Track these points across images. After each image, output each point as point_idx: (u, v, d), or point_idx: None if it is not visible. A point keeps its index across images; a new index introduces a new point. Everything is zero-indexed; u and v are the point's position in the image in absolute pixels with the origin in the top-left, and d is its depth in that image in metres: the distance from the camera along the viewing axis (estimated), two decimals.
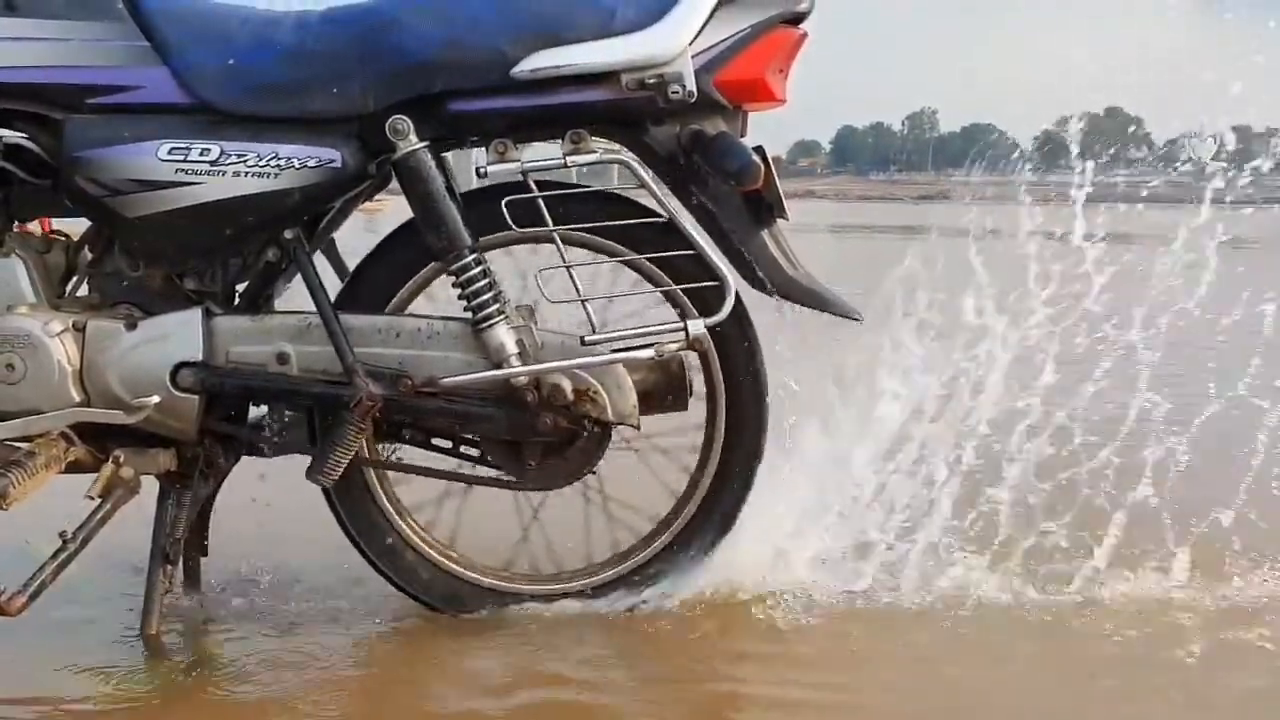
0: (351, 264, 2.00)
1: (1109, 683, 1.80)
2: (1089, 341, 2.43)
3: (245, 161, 1.77)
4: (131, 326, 1.83)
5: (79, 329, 1.82)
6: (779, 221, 1.92)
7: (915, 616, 2.01)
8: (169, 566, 1.91)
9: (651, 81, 1.75)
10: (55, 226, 2.01)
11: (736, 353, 1.95)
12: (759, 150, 1.79)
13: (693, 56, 1.76)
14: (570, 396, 1.86)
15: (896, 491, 2.22)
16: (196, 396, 1.83)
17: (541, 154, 1.85)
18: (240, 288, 1.94)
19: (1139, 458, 2.31)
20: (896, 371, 2.26)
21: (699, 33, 1.76)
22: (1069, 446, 2.34)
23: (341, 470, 1.84)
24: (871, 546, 2.15)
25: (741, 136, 1.86)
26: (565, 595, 2.01)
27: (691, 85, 1.75)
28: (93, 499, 1.82)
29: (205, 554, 2.07)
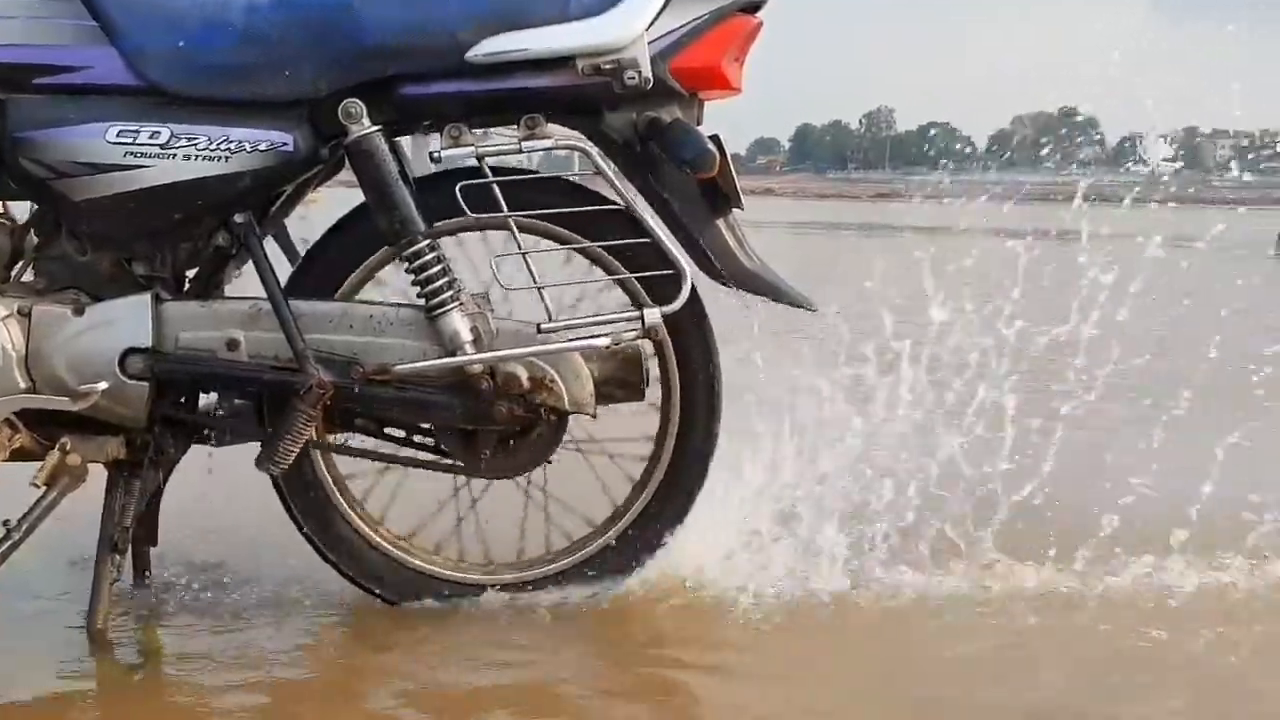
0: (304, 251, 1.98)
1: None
2: (1013, 336, 2.47)
3: (195, 145, 1.75)
4: (79, 312, 1.80)
5: (24, 314, 1.79)
6: (734, 211, 1.92)
7: (848, 608, 2.02)
8: (117, 556, 1.87)
9: (607, 67, 1.75)
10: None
11: (692, 342, 1.95)
12: (715, 139, 1.79)
13: (649, 43, 1.76)
14: (526, 385, 1.85)
15: (828, 484, 2.23)
16: (146, 383, 1.80)
17: (498, 140, 1.84)
18: (190, 273, 1.91)
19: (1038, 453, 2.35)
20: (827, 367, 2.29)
21: (655, 19, 1.76)
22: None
23: (291, 459, 1.82)
24: (802, 539, 2.16)
25: (698, 125, 1.85)
26: (517, 585, 2.00)
27: (647, 71, 1.75)
28: (38, 487, 1.79)
29: (154, 544, 2.04)
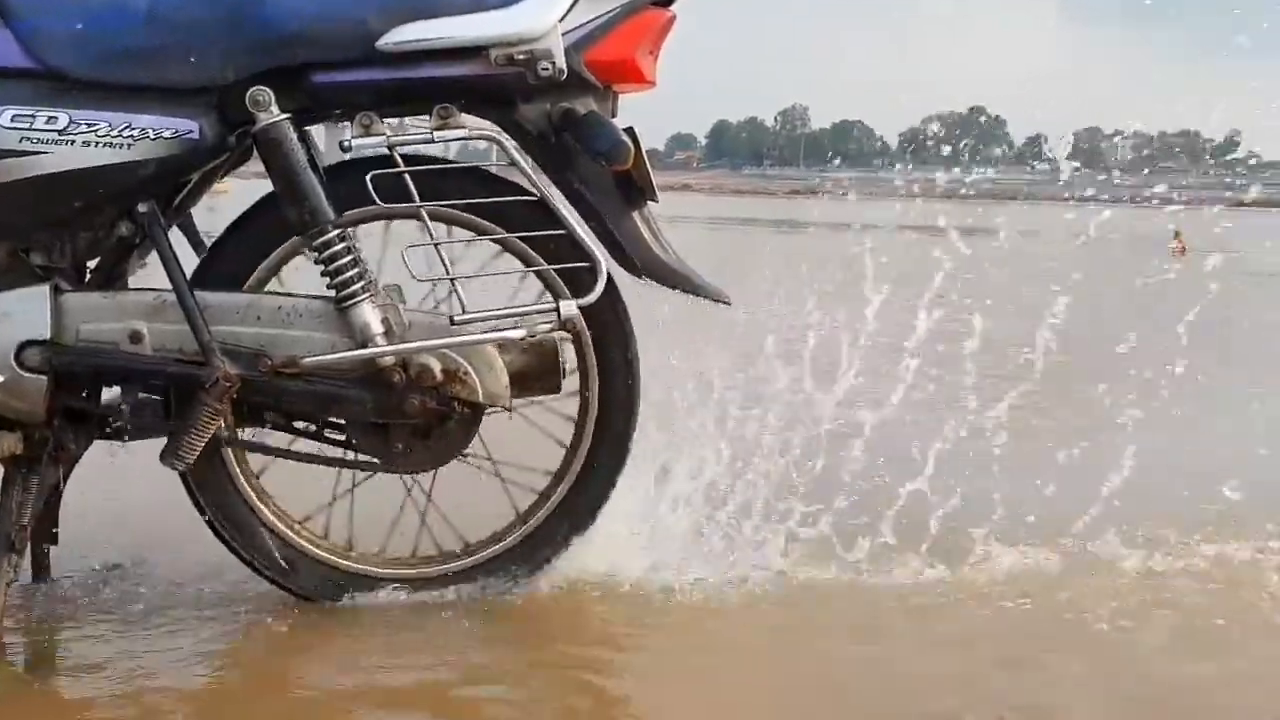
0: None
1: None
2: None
3: (96, 131, 1.70)
4: None
5: None
6: (649, 204, 1.93)
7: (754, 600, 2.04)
8: (14, 556, 1.82)
9: (521, 58, 1.74)
10: None
11: (610, 333, 1.95)
12: (629, 131, 1.80)
13: (563, 34, 1.75)
14: (439, 377, 1.83)
15: (741, 474, 2.27)
16: (44, 376, 1.75)
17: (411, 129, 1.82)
18: (91, 263, 1.86)
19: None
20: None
21: (569, 10, 1.75)
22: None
23: (197, 453, 1.79)
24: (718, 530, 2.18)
25: (612, 117, 1.85)
26: (429, 580, 1.98)
27: (561, 63, 1.74)
28: None
29: (55, 542, 1.98)
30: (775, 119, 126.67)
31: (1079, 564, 2.19)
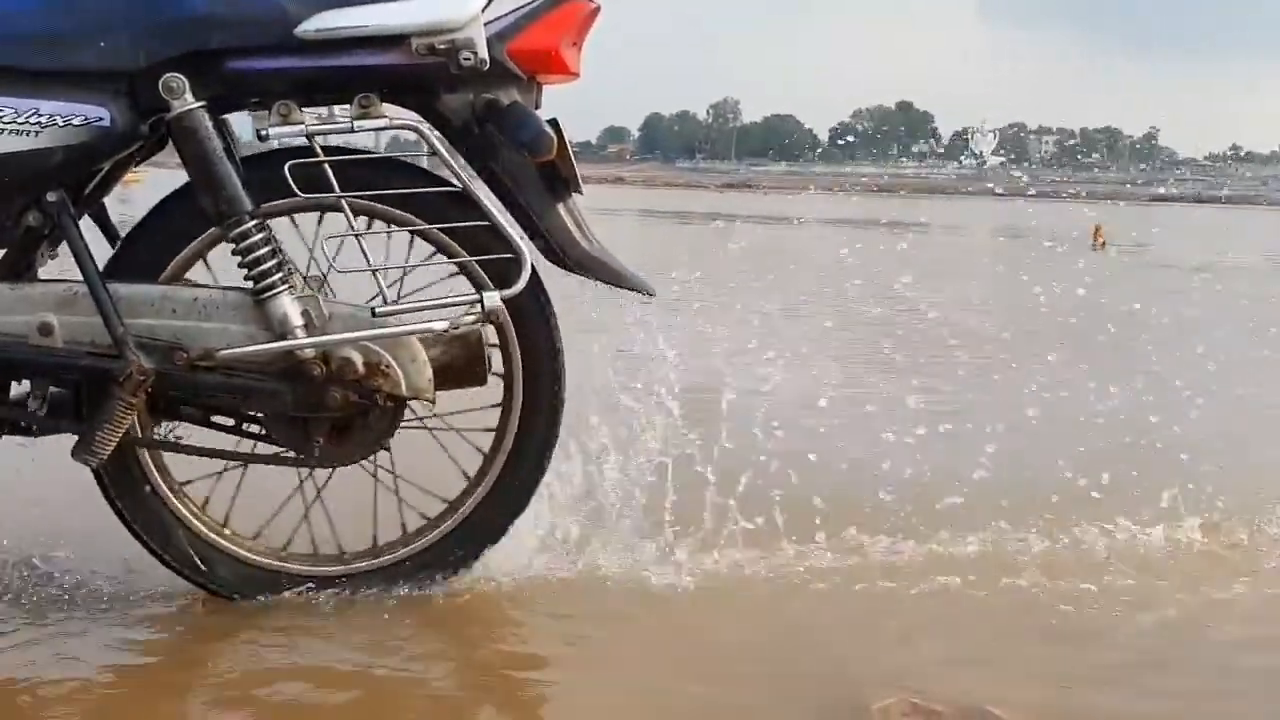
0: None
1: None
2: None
3: (1, 117, 1.65)
4: None
5: None
6: (574, 196, 1.92)
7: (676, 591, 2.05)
8: None
9: (442, 47, 1.72)
10: None
11: (533, 326, 1.94)
12: (553, 122, 1.79)
13: (485, 24, 1.74)
14: (361, 370, 1.81)
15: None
16: None
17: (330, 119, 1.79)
18: None
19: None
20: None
21: (491, 0, 1.74)
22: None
23: (110, 448, 1.74)
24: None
25: (536, 109, 1.84)
26: (349, 577, 1.95)
27: (483, 52, 1.73)
28: None
29: None
30: (707, 112, 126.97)
31: None
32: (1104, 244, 8.38)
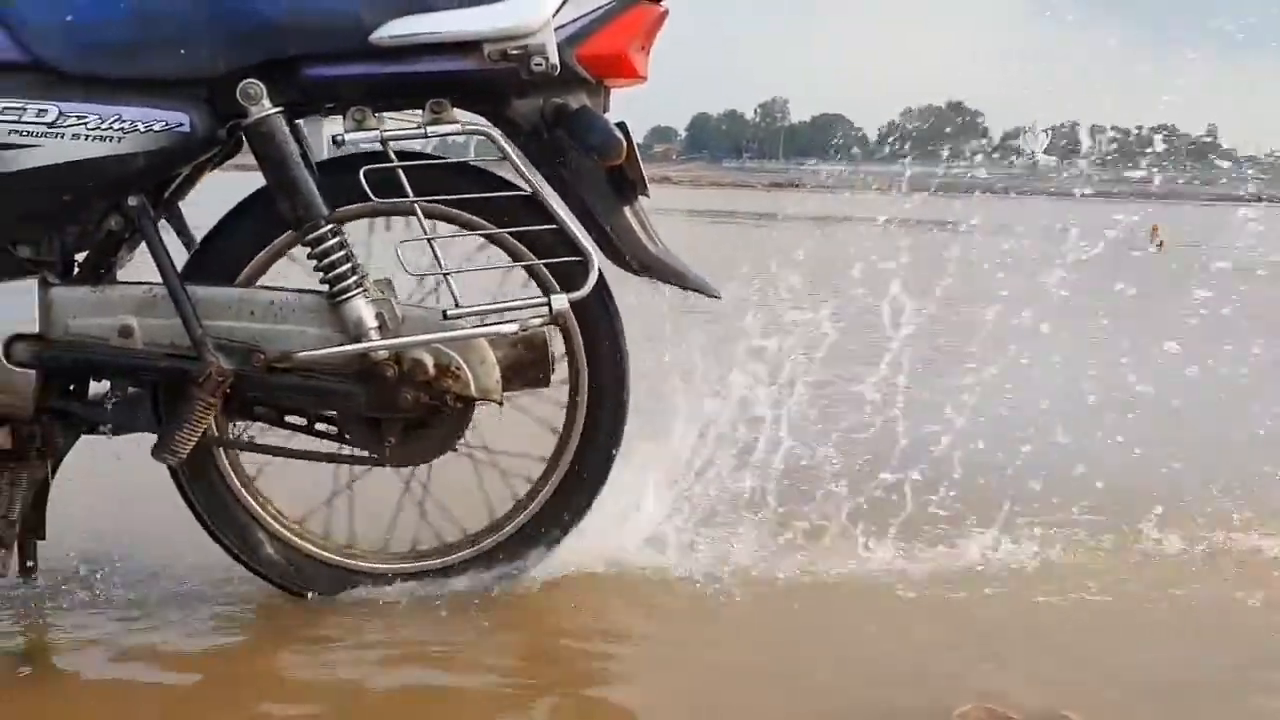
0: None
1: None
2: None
3: (86, 124, 1.69)
4: None
5: None
6: (640, 198, 1.93)
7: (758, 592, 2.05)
8: (2, 551, 1.80)
9: (514, 53, 1.74)
10: None
11: (599, 328, 1.95)
12: (621, 125, 1.80)
13: (556, 29, 1.75)
14: (432, 372, 1.83)
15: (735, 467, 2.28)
16: (32, 371, 1.74)
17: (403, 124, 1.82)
18: (80, 257, 1.85)
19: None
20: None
21: (562, 5, 1.76)
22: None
23: (189, 448, 1.78)
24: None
25: (604, 112, 1.86)
26: (422, 574, 1.98)
27: (554, 58, 1.74)
28: None
29: (42, 538, 1.96)
30: (755, 111, 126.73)
31: None
32: (1162, 243, 8.25)
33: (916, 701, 1.64)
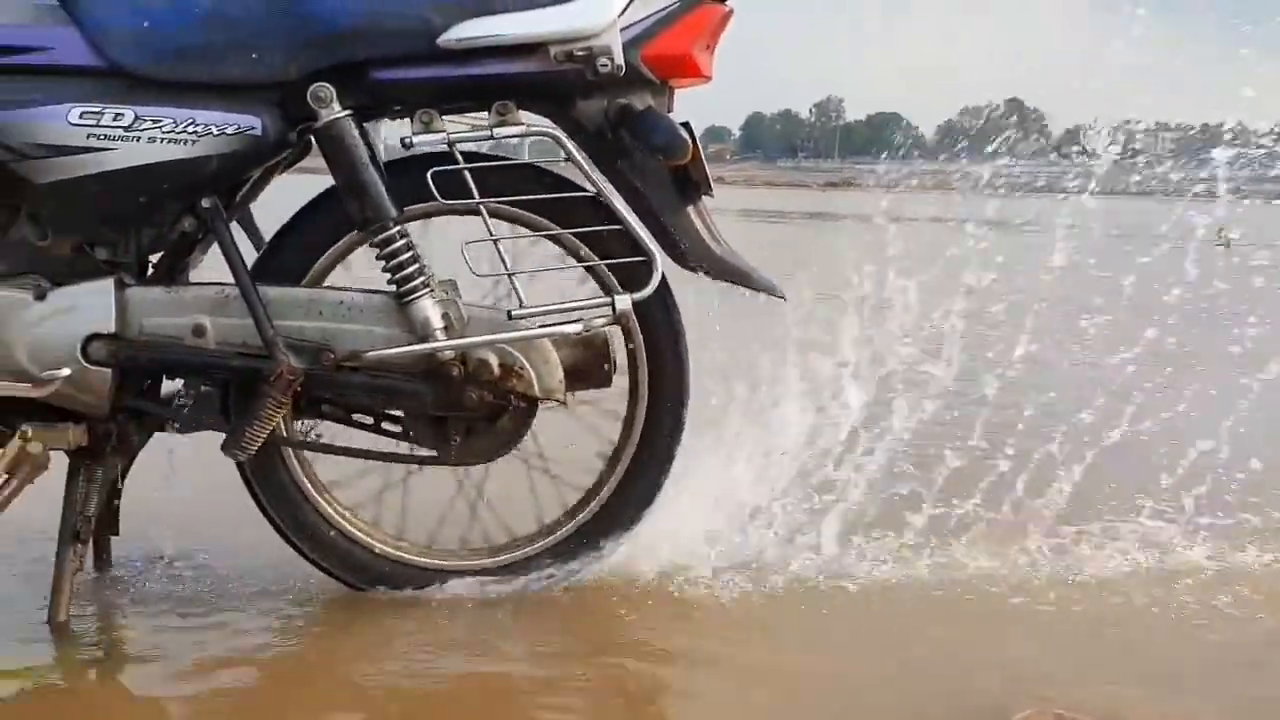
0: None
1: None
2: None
3: (161, 127, 1.72)
4: (40, 297, 1.76)
5: None
6: (704, 198, 1.93)
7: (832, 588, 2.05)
8: (80, 546, 1.84)
9: (580, 54, 1.74)
10: None
11: (660, 328, 1.95)
12: (686, 125, 1.80)
13: (621, 30, 1.76)
14: (496, 372, 1.84)
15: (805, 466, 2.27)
16: (109, 370, 1.77)
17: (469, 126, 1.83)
18: (154, 258, 1.88)
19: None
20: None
21: (627, 6, 1.76)
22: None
23: (259, 444, 1.81)
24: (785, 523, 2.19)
25: (669, 112, 1.86)
26: (485, 571, 1.99)
27: (620, 59, 1.75)
28: None
29: (116, 533, 2.01)
30: (810, 111, 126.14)
31: None
32: (1229, 242, 8.10)
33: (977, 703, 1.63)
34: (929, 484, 2.37)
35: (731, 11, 1.85)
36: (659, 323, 1.95)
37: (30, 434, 1.77)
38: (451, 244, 1.92)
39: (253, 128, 1.74)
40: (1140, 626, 1.95)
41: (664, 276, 1.88)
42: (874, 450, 2.34)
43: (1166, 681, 1.75)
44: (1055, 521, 2.28)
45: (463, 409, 1.85)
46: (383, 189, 1.79)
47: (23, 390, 1.75)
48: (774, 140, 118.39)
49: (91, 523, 1.86)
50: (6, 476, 1.77)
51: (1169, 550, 2.24)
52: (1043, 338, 2.56)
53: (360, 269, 1.93)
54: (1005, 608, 2.00)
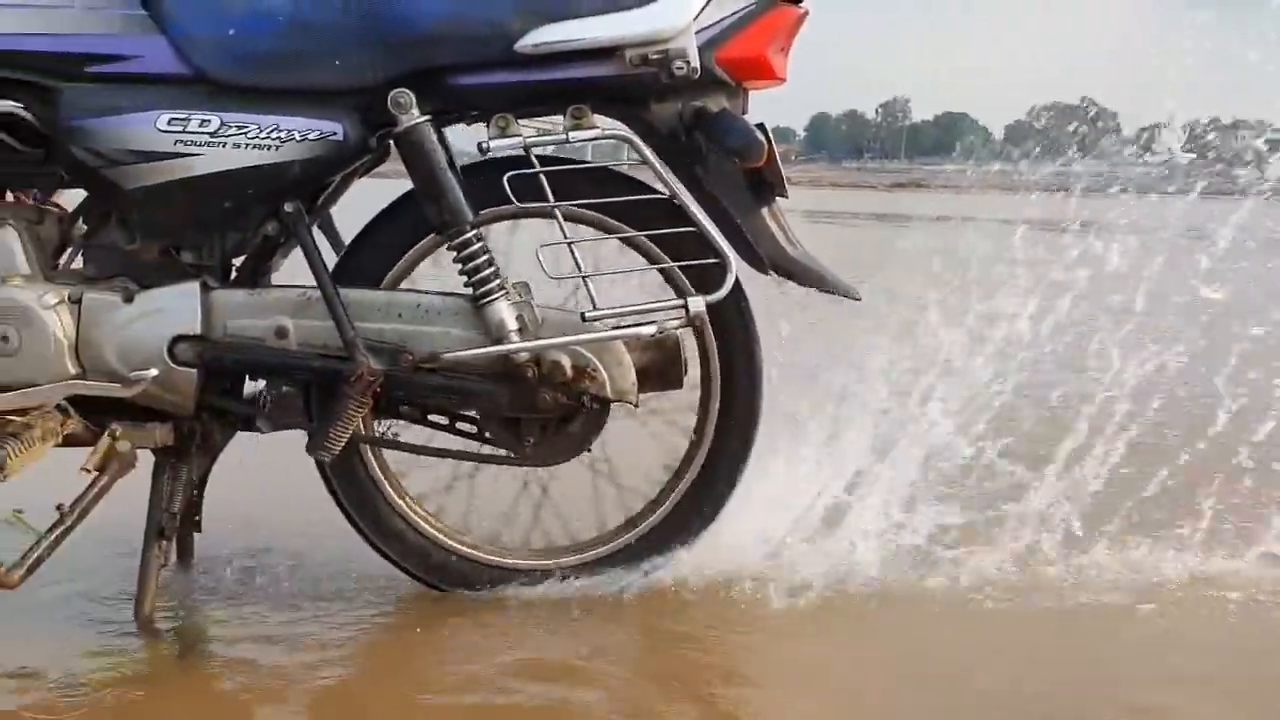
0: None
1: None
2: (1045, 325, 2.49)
3: (245, 133, 1.76)
4: (128, 299, 1.81)
5: (74, 301, 1.81)
6: (778, 200, 1.93)
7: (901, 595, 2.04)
8: (164, 542, 1.89)
9: (655, 57, 1.75)
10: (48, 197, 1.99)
11: (733, 330, 1.95)
12: (761, 127, 1.80)
13: (696, 32, 1.76)
14: (570, 373, 1.86)
15: (880, 470, 2.26)
16: (194, 370, 1.82)
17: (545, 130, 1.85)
18: (237, 261, 1.92)
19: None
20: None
21: (702, 9, 1.76)
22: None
23: (341, 444, 1.84)
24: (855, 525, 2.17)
25: (743, 114, 1.86)
26: (560, 571, 2.00)
27: (695, 61, 1.75)
28: (89, 473, 1.80)
29: (199, 530, 2.06)
30: (876, 111, 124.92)
31: None
32: None
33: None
34: (1021, 489, 2.35)
35: (806, 13, 1.85)
36: (732, 324, 1.95)
37: (119, 433, 1.81)
38: (522, 246, 1.95)
39: (334, 133, 1.77)
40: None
41: (738, 278, 1.88)
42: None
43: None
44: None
45: (536, 410, 1.87)
46: (460, 194, 1.81)
47: (113, 390, 1.80)
48: (839, 141, 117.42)
49: (176, 519, 1.90)
50: (97, 474, 1.81)
51: None
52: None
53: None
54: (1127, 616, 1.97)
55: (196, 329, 1.82)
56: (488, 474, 2.06)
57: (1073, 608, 1.99)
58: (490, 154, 1.81)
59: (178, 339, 1.81)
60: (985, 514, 2.29)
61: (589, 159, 1.95)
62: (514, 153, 1.82)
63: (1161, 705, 1.66)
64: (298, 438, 1.89)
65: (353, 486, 1.96)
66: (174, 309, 1.82)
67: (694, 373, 1.97)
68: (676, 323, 1.86)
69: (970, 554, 2.16)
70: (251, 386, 1.95)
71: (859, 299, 1.94)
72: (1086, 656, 1.83)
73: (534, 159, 1.80)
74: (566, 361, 1.86)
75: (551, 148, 1.83)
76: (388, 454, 1.98)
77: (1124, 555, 2.18)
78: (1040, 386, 2.61)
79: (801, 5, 1.85)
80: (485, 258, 1.83)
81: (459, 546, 2.00)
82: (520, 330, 1.84)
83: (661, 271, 1.91)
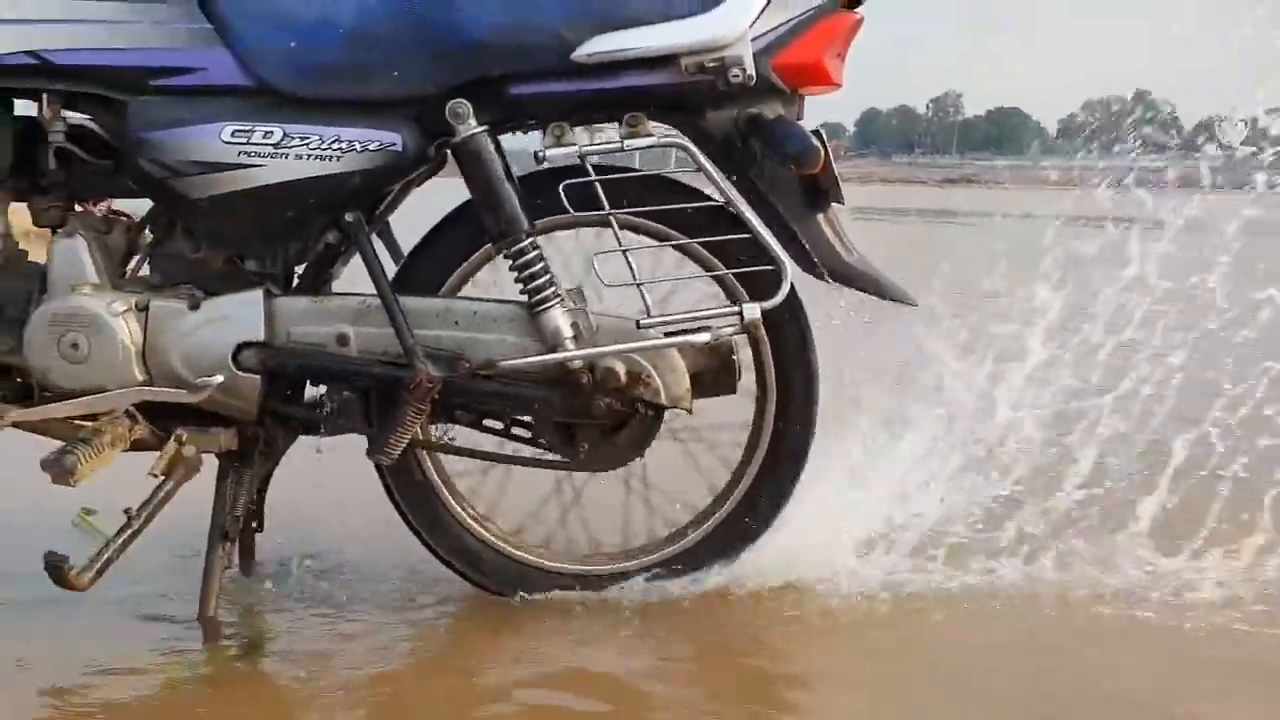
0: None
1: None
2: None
3: (308, 144, 1.78)
4: (194, 307, 1.85)
5: (142, 309, 1.85)
6: (833, 205, 1.93)
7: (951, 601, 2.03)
8: (228, 544, 1.93)
9: (711, 65, 1.75)
10: (115, 207, 2.04)
11: (788, 337, 1.95)
12: (817, 133, 1.79)
13: (752, 40, 1.76)
14: (624, 380, 1.87)
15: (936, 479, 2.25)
16: (258, 376, 1.85)
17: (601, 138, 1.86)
18: (299, 269, 1.95)
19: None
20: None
21: (758, 16, 1.76)
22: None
23: (400, 449, 1.86)
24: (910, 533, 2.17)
25: (799, 119, 1.86)
26: (618, 576, 2.02)
27: (751, 69, 1.75)
28: (156, 477, 1.85)
29: (260, 530, 2.10)
30: (927, 106, 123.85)
31: None
32: None
33: None
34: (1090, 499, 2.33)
35: (862, 19, 1.84)
36: (787, 330, 1.95)
37: (185, 438, 1.86)
38: (571, 253, 1.98)
39: (394, 143, 1.80)
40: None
41: (793, 285, 1.88)
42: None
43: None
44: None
45: (591, 416, 1.88)
46: (517, 203, 1.83)
47: (179, 396, 1.84)
48: (890, 136, 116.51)
49: (239, 521, 1.94)
50: (163, 478, 1.85)
51: None
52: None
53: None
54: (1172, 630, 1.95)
55: (260, 336, 1.85)
56: (545, 480, 2.09)
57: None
58: (546, 163, 1.82)
59: (242, 345, 1.85)
60: (1070, 525, 2.26)
61: (637, 167, 1.96)
62: (569, 162, 1.83)
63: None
64: (354, 440, 1.92)
65: (409, 489, 1.99)
66: (238, 316, 1.85)
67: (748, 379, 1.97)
68: (731, 330, 1.86)
69: (1050, 566, 2.15)
70: (312, 392, 1.98)
71: (915, 304, 1.93)
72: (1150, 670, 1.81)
73: (589, 168, 1.82)
74: (621, 368, 1.87)
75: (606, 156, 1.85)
76: (444, 458, 2.01)
77: (1227, 564, 2.15)
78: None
79: (858, 11, 1.85)
80: (541, 265, 1.85)
81: (514, 550, 2.02)
82: (575, 337, 1.85)
83: (716, 278, 1.92)
